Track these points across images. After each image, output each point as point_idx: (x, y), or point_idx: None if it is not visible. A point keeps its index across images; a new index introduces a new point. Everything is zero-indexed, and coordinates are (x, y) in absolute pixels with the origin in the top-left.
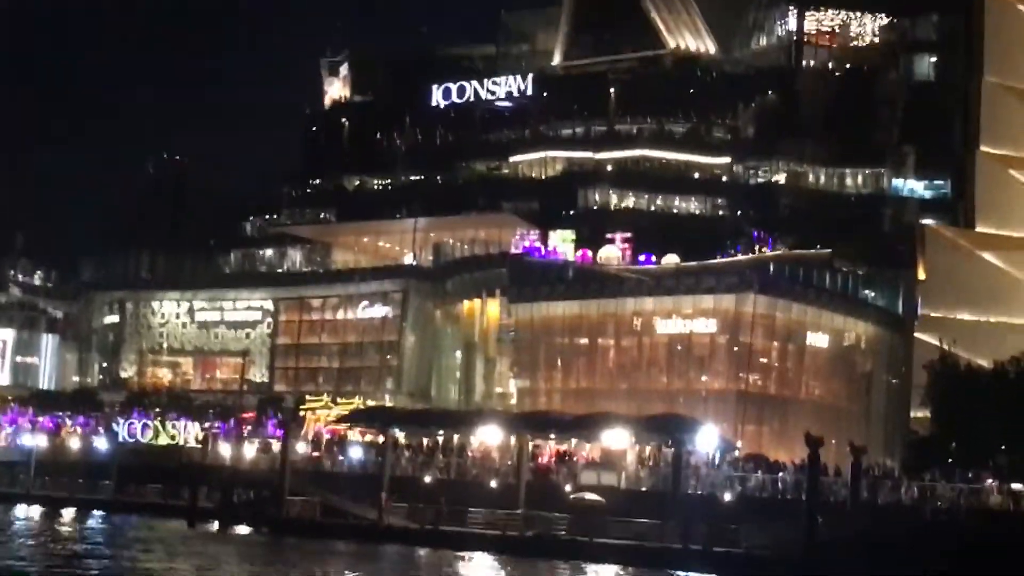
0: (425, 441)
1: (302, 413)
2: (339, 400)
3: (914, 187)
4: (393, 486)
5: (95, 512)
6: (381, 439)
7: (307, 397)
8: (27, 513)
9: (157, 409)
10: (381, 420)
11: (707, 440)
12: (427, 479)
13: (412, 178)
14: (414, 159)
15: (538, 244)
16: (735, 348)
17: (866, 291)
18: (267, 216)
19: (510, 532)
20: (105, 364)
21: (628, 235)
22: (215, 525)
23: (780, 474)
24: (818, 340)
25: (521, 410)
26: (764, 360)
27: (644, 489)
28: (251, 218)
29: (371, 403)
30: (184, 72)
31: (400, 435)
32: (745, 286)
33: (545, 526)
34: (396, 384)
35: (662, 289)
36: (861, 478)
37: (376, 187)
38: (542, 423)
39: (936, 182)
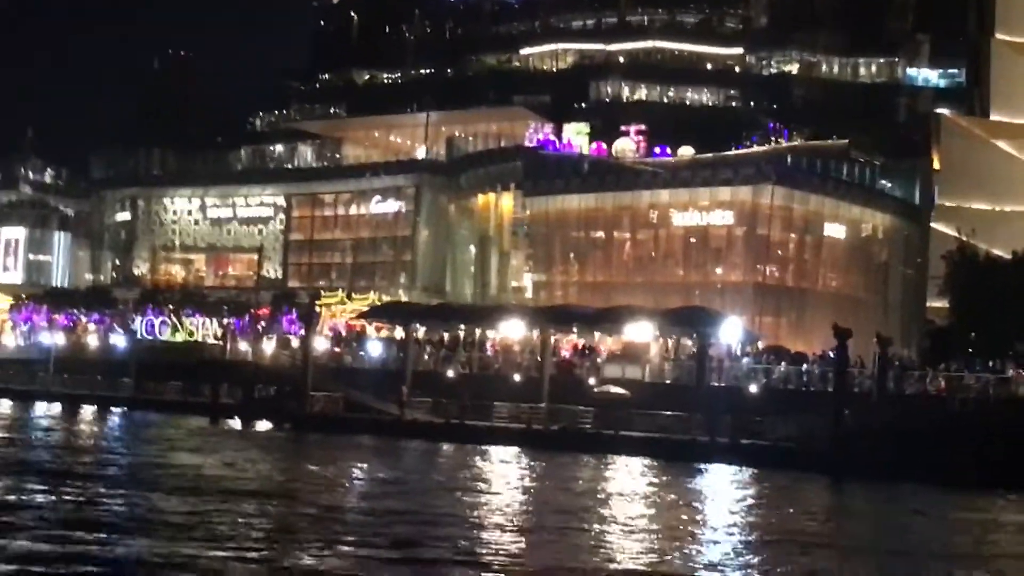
0: (445, 336)
1: (317, 309)
2: (354, 296)
3: (928, 76)
4: (415, 381)
5: (115, 409)
6: (400, 334)
7: (322, 293)
8: (47, 410)
9: (170, 306)
10: (402, 315)
11: (731, 332)
12: (449, 374)
13: (422, 71)
14: (424, 53)
15: (552, 137)
16: (752, 240)
17: (883, 181)
18: (277, 112)
19: (535, 426)
20: (118, 262)
21: (642, 127)
22: (237, 421)
23: (804, 366)
24: (835, 231)
25: (537, 304)
26: (781, 252)
27: (668, 382)
28: (260, 114)
29: (386, 298)
30: None
31: (420, 330)
32: (762, 177)
33: (570, 419)
34: (410, 279)
35: (678, 181)
36: (887, 369)
37: (386, 81)
38: (564, 316)
39: (951, 71)
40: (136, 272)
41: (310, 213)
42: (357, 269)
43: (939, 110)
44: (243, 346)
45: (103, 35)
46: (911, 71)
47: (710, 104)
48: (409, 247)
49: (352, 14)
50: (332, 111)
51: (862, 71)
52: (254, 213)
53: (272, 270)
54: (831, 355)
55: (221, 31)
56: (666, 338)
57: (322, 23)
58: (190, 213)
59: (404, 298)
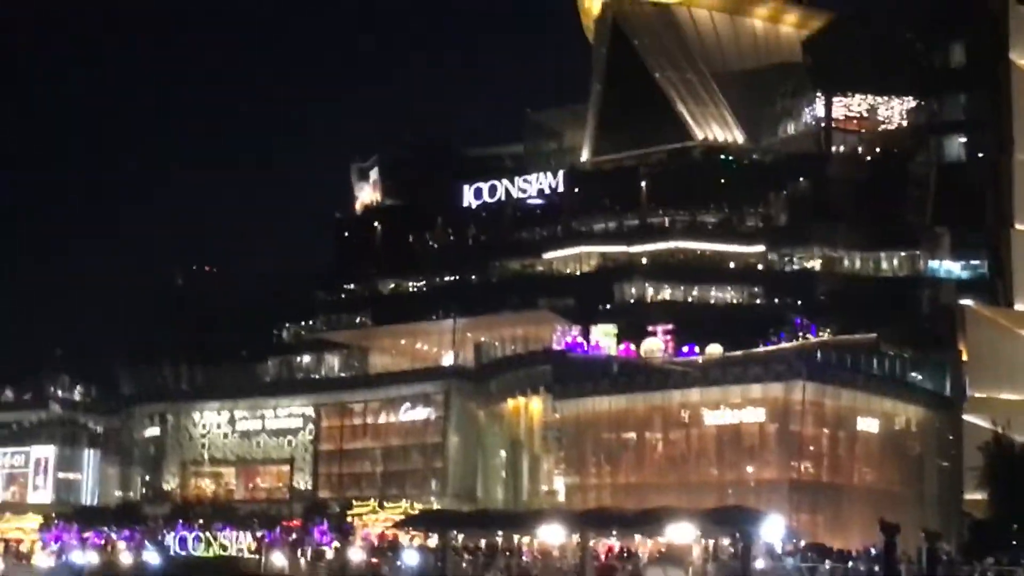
0: (483, 543)
1: (349, 519)
2: (386, 504)
3: (951, 268)
4: None
5: None
6: (432, 542)
7: (353, 502)
8: None
9: (201, 520)
10: (438, 523)
11: (772, 531)
12: None
13: (446, 279)
14: (447, 260)
15: (580, 340)
16: (785, 436)
17: (912, 374)
18: (303, 322)
19: None
20: (147, 477)
21: (669, 327)
22: None
23: (850, 563)
24: (868, 425)
25: (571, 507)
26: (815, 447)
27: None
28: (287, 325)
29: (418, 506)
30: (211, 181)
31: (457, 537)
32: (793, 374)
33: None
34: (441, 486)
35: (708, 380)
36: (936, 564)
37: (411, 289)
38: (603, 519)
39: (972, 262)
40: (166, 487)
41: (339, 423)
42: (387, 477)
43: (963, 301)
44: (277, 559)
45: (123, 249)
46: (932, 263)
47: (734, 302)
48: (439, 454)
49: (375, 224)
50: (358, 320)
51: (884, 264)
52: (283, 424)
53: (302, 481)
54: (873, 551)
55: (243, 244)
56: (707, 538)
57: (345, 234)
58: (219, 426)
59: (436, 505)
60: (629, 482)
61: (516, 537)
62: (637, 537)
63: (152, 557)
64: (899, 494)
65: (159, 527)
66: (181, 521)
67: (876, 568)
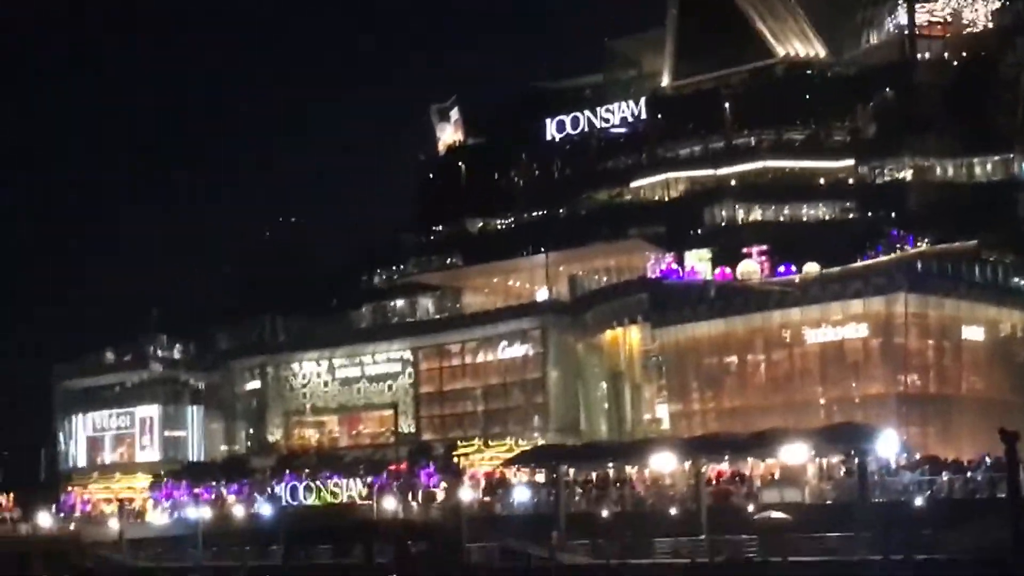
0: (594, 475)
1: (456, 459)
2: (490, 443)
3: None
4: (568, 524)
5: None
6: (540, 477)
7: (459, 443)
8: None
9: (307, 470)
10: (549, 458)
11: (888, 446)
12: (603, 513)
13: (534, 214)
14: (534, 195)
15: (675, 266)
16: (889, 350)
17: (1015, 279)
18: (393, 267)
19: (699, 559)
20: (251, 430)
21: (764, 248)
22: None
23: (969, 474)
24: (973, 334)
25: (676, 434)
26: (920, 360)
27: (829, 502)
28: (378, 271)
29: (523, 443)
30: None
31: (569, 472)
32: (894, 286)
33: (734, 549)
34: (543, 422)
35: (808, 298)
36: None
37: (499, 227)
38: (715, 445)
39: None
40: (270, 439)
41: (438, 364)
42: (489, 416)
43: None
44: (389, 504)
45: (213, 206)
46: None
47: (827, 219)
48: (540, 390)
49: (459, 164)
50: (448, 261)
51: (977, 171)
52: (382, 369)
53: (405, 425)
54: (988, 460)
55: (330, 193)
56: (821, 458)
57: (430, 176)
58: (319, 376)
59: (540, 441)
60: (733, 406)
61: (627, 468)
62: (749, 461)
63: (264, 509)
64: (1008, 402)
65: (267, 479)
66: (288, 471)
67: (994, 477)
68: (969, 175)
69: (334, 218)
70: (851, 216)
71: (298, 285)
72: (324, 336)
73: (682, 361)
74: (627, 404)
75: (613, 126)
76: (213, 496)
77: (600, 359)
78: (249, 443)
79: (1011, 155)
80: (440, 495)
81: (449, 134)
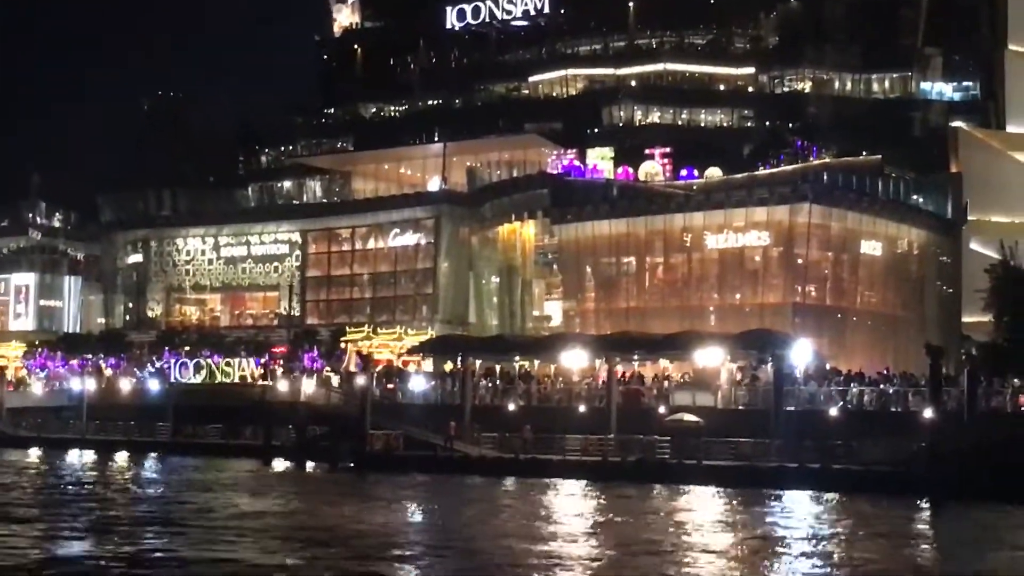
0: (498, 368)
1: (343, 345)
2: (379, 331)
3: (942, 89)
4: (472, 416)
5: (152, 454)
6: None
7: (347, 329)
8: (81, 457)
9: (187, 348)
10: (457, 349)
11: (802, 355)
12: (510, 407)
13: (430, 103)
14: (431, 83)
15: (577, 163)
16: (790, 260)
17: (914, 196)
18: (282, 148)
19: (611, 458)
20: (130, 304)
21: (667, 150)
22: (285, 463)
23: (882, 386)
24: (871, 248)
25: (569, 331)
26: (819, 271)
27: (741, 408)
28: (267, 150)
29: (411, 332)
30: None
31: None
32: (800, 196)
33: (647, 449)
34: (431, 312)
35: (712, 203)
36: (976, 387)
37: (393, 114)
38: (629, 344)
39: (964, 83)
40: (150, 314)
41: (327, 249)
42: (376, 303)
43: (954, 123)
44: (282, 386)
45: (104, 76)
46: (924, 85)
47: (724, 125)
48: (430, 280)
49: (355, 47)
50: (340, 145)
51: (875, 87)
52: (269, 251)
53: (289, 308)
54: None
55: (219, 70)
56: (737, 362)
57: (325, 57)
58: (203, 253)
59: (430, 332)
60: (629, 307)
61: (537, 363)
62: (661, 363)
63: (152, 385)
64: (900, 318)
65: (145, 354)
66: (168, 348)
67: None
68: (867, 90)
69: (223, 95)
70: (749, 124)
71: (184, 160)
72: (212, 213)
73: (579, 259)
74: (517, 300)
75: (515, 19)
76: (89, 369)
77: (494, 253)
78: (128, 317)
79: (909, 73)
80: (335, 381)
81: (346, 16)
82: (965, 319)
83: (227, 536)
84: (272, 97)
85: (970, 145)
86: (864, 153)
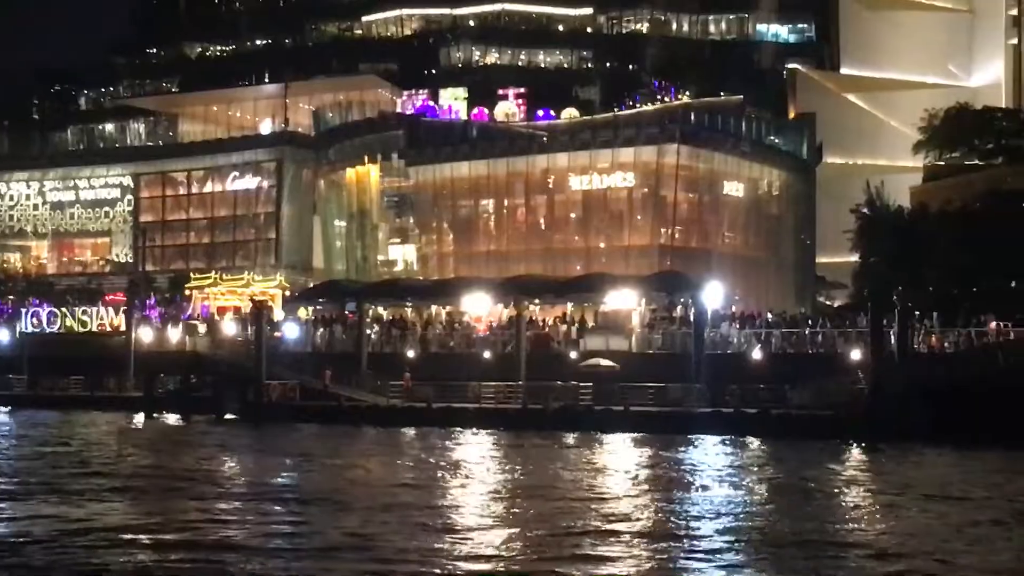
0: (384, 313)
1: (188, 292)
2: (224, 277)
3: (778, 31)
4: (369, 364)
5: (3, 408)
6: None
7: (192, 275)
8: None
9: (12, 297)
10: (344, 295)
11: (714, 296)
12: (410, 354)
13: (259, 43)
14: (259, 23)
15: (431, 103)
16: (655, 202)
17: (770, 137)
18: (103, 89)
19: (531, 405)
20: None
21: (521, 91)
22: (164, 416)
23: (799, 329)
24: (734, 189)
25: (427, 277)
26: (684, 213)
27: (654, 352)
28: (85, 91)
29: (258, 278)
30: None
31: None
32: (668, 137)
33: (566, 396)
34: (275, 257)
35: (576, 144)
36: (907, 328)
37: (220, 54)
38: (535, 288)
39: (800, 25)
40: None
41: (160, 192)
42: (215, 249)
43: (790, 65)
44: (145, 335)
45: None
46: (760, 27)
47: (565, 67)
48: (272, 224)
49: None
50: (164, 86)
51: (712, 28)
52: (99, 195)
53: (122, 254)
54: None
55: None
56: (649, 305)
57: None
58: (28, 198)
59: (279, 278)
60: (489, 250)
61: (434, 307)
62: (569, 305)
63: (2, 335)
64: (760, 259)
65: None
66: None
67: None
68: (704, 31)
69: (40, 31)
70: (589, 66)
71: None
72: (35, 155)
73: (437, 202)
74: (368, 244)
75: None
76: None
77: (341, 196)
78: None
79: (746, 14)
80: (202, 328)
81: None
82: (820, 260)
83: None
84: (90, 37)
85: (806, 87)
86: (723, 94)
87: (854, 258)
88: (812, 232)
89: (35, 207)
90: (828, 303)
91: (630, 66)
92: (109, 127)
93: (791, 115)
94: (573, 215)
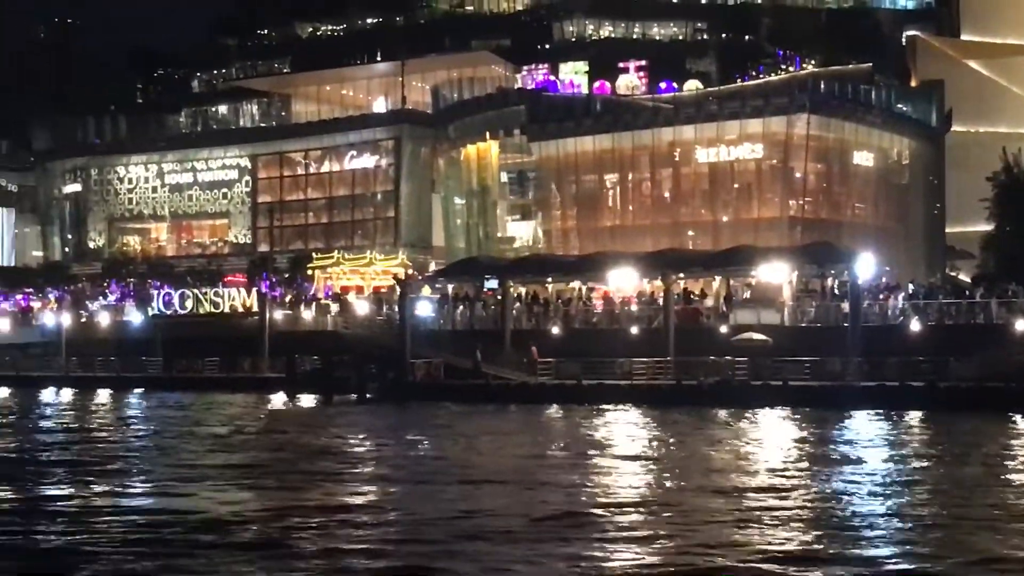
0: (522, 291)
1: (309, 272)
2: (347, 256)
3: None
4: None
5: (137, 390)
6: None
7: (314, 256)
8: (58, 396)
9: (133, 280)
10: (484, 271)
11: (866, 268)
12: (554, 331)
13: (368, 21)
14: (368, 1)
15: (552, 78)
16: (784, 173)
17: (898, 105)
18: (214, 71)
19: (686, 380)
20: (69, 236)
21: (642, 63)
22: (307, 397)
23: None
24: (863, 159)
25: (550, 252)
26: (813, 184)
27: (807, 325)
28: (197, 74)
29: (379, 257)
30: None
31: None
32: (797, 106)
33: (720, 371)
34: (394, 236)
35: (703, 116)
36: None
37: (331, 33)
38: (681, 262)
39: None
40: (91, 246)
41: (278, 173)
42: (333, 229)
43: (909, 32)
44: (278, 315)
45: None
46: None
47: (679, 39)
48: (391, 203)
49: None
50: (276, 67)
51: None
52: (217, 177)
53: (241, 235)
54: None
55: None
56: (800, 278)
57: None
58: (147, 181)
59: (400, 256)
60: (613, 225)
61: (578, 284)
62: (717, 279)
63: (134, 317)
64: (890, 228)
65: (89, 287)
66: (115, 280)
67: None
68: (819, 0)
69: (138, 15)
70: (704, 37)
71: (109, 85)
72: (154, 139)
73: (560, 177)
74: (488, 221)
75: None
76: (28, 303)
77: (460, 174)
78: (67, 249)
79: None
80: (335, 308)
81: None
82: (949, 230)
83: None
84: (188, 20)
85: (927, 53)
86: (852, 63)
87: (979, 228)
88: (941, 201)
89: (154, 190)
90: (953, 273)
91: (746, 36)
92: (223, 109)
93: (913, 83)
94: (700, 188)
